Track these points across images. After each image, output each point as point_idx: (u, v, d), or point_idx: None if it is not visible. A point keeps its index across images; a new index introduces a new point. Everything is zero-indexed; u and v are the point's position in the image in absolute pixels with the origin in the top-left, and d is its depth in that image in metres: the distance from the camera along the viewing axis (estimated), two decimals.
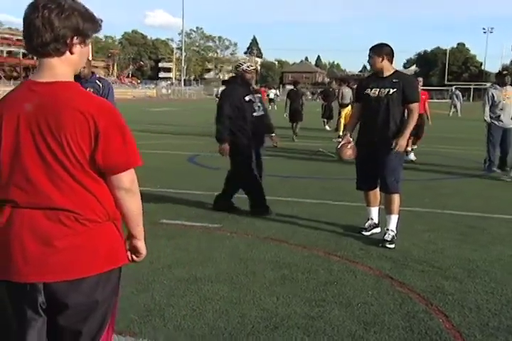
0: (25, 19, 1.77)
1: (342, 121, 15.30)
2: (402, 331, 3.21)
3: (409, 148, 10.17)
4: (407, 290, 3.85)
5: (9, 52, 66.16)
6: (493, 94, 9.22)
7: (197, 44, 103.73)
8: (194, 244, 4.92)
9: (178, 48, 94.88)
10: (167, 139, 14.76)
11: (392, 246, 4.87)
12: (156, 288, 3.81)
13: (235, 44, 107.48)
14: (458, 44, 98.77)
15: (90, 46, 2.05)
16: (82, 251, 1.79)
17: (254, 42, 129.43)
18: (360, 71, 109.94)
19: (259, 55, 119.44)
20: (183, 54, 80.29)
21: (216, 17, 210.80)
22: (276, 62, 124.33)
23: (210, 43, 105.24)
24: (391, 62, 5.01)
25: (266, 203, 6.09)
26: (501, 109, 9.14)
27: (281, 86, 78.33)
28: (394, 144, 4.87)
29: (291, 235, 5.22)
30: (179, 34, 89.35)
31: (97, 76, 5.39)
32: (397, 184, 5.02)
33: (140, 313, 3.38)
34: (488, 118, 9.22)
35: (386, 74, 4.97)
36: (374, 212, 5.37)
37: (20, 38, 1.94)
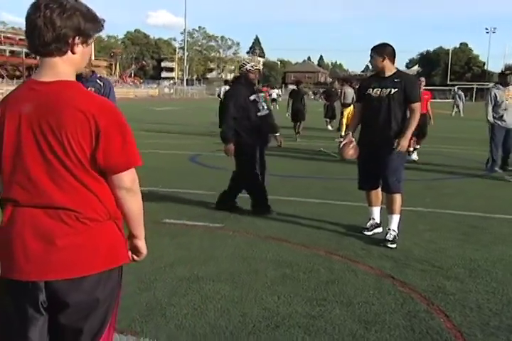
0: (27, 19, 1.78)
1: (344, 121, 15.30)
2: (403, 330, 3.21)
3: (411, 148, 10.17)
4: (408, 290, 3.85)
5: (12, 52, 66.26)
6: (495, 94, 9.20)
7: (199, 44, 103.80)
8: (196, 243, 4.93)
9: (180, 48, 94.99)
10: (169, 139, 14.77)
11: (394, 245, 4.87)
12: (158, 287, 3.82)
13: (238, 44, 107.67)
14: (461, 44, 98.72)
15: (93, 46, 2.06)
16: (82, 250, 1.79)
17: (256, 41, 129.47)
18: (363, 71, 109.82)
19: (262, 55, 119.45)
20: (186, 53, 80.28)
21: (219, 17, 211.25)
22: (279, 62, 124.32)
23: (213, 43, 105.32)
24: (393, 62, 5.01)
25: (268, 203, 6.09)
26: (504, 109, 9.11)
27: (283, 86, 78.34)
28: (396, 144, 4.87)
29: (293, 234, 5.23)
30: (182, 34, 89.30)
31: (98, 75, 5.40)
32: (398, 184, 5.02)
33: (142, 312, 3.39)
34: (491, 119, 9.20)
35: (388, 74, 4.97)
36: (376, 212, 5.37)
37: (23, 37, 1.92)
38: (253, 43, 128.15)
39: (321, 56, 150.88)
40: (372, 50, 5.00)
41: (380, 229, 5.32)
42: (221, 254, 4.59)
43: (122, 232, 1.93)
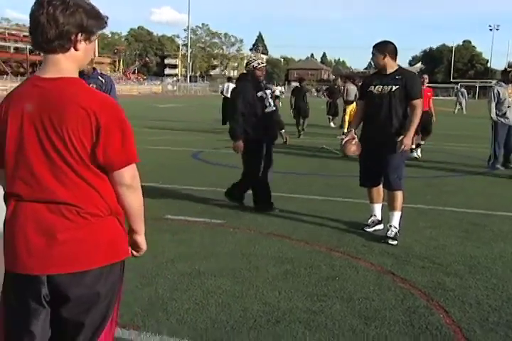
0: (31, 15, 1.80)
1: (347, 118, 15.30)
2: (402, 326, 3.24)
3: (413, 146, 10.17)
4: (409, 286, 3.87)
5: (16, 48, 66.33)
6: (498, 92, 9.20)
7: (203, 40, 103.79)
8: (197, 239, 4.96)
9: (184, 45, 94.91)
10: (172, 135, 14.79)
11: (395, 242, 4.89)
12: (160, 282, 3.85)
13: (241, 40, 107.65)
14: (464, 41, 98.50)
15: (96, 42, 2.08)
16: (83, 245, 1.82)
17: (259, 38, 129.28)
18: (366, 68, 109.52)
19: (265, 52, 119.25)
20: (189, 50, 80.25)
21: (222, 13, 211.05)
22: (282, 59, 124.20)
23: (216, 40, 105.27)
24: (394, 60, 5.02)
25: (271, 200, 6.11)
26: (507, 107, 9.12)
27: (286, 83, 78.25)
28: (399, 144, 4.88)
29: (294, 231, 5.25)
30: (185, 30, 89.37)
31: (99, 72, 5.44)
32: (399, 181, 5.03)
33: (143, 307, 3.42)
34: (494, 116, 9.20)
35: (389, 71, 4.99)
36: (377, 209, 5.39)
37: (27, 34, 1.95)
38: (256, 40, 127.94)
39: (324, 53, 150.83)
40: (373, 47, 5.02)
41: (381, 226, 5.33)
42: (222, 250, 4.62)
43: (124, 227, 1.95)
